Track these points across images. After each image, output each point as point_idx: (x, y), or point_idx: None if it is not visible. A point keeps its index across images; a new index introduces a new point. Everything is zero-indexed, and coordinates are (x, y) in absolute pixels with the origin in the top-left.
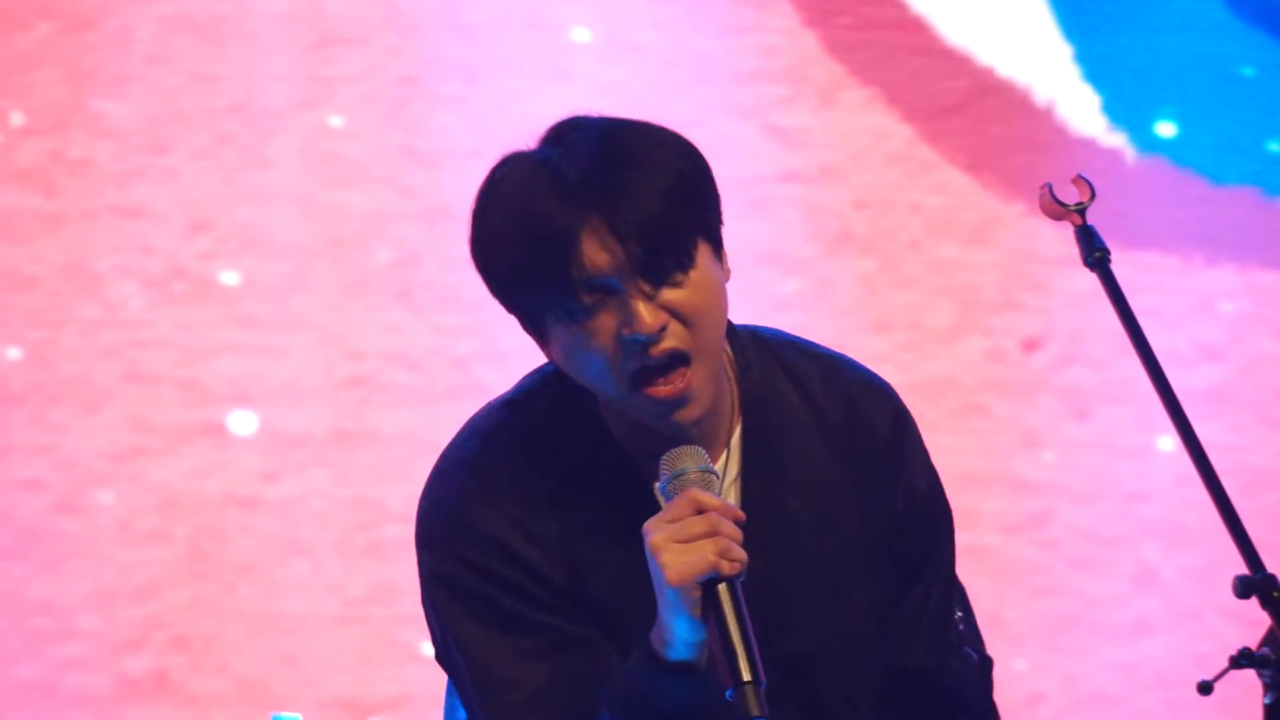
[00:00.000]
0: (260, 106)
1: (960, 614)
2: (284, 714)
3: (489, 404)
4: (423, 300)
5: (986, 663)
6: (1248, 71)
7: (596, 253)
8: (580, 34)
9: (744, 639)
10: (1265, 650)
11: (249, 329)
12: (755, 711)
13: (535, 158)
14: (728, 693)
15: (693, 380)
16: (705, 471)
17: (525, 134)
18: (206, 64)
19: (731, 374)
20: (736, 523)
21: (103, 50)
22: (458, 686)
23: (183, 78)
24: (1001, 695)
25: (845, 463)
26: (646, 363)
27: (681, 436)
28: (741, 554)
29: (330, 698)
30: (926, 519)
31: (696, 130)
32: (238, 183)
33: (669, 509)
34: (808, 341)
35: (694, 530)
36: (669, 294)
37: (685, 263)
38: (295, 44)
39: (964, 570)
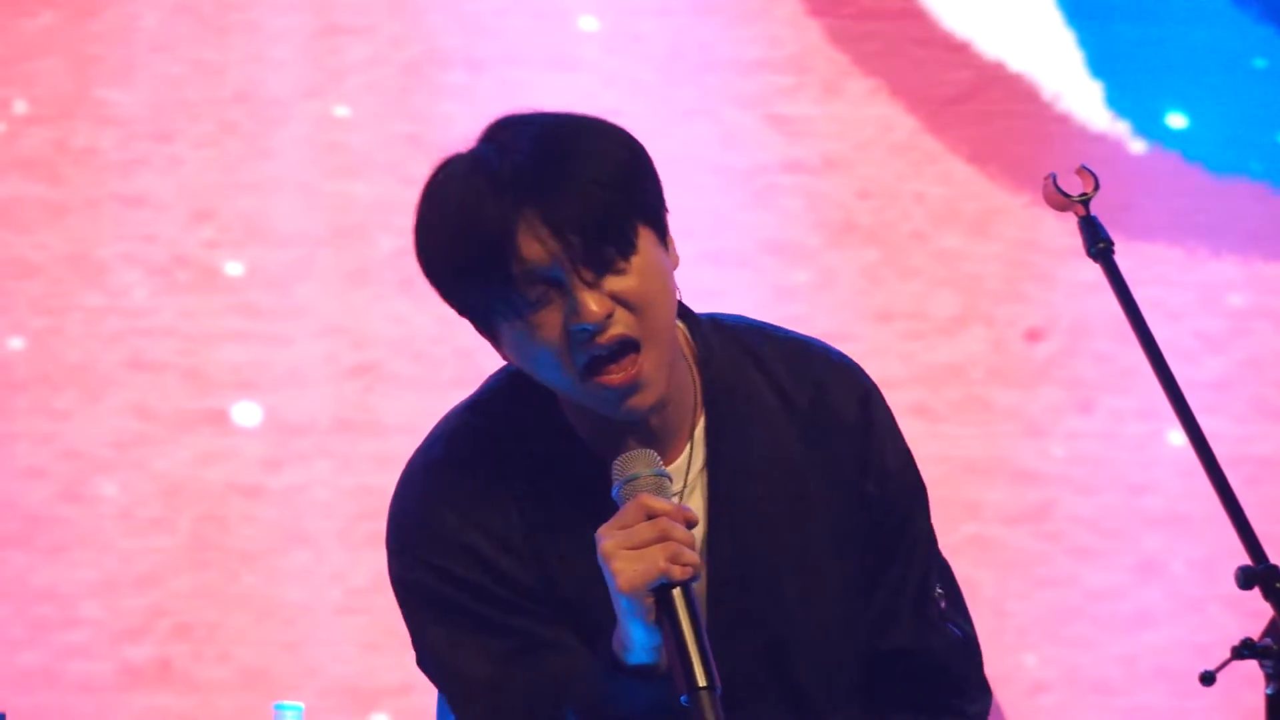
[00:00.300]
0: (264, 95)
1: (941, 591)
2: (286, 702)
3: (454, 407)
4: (426, 290)
5: (971, 638)
6: (1259, 63)
7: (533, 246)
8: (587, 23)
9: (698, 644)
10: (1267, 641)
11: (252, 318)
12: (709, 716)
13: (471, 156)
14: (682, 699)
15: (644, 366)
16: (658, 475)
17: None
18: (211, 52)
19: (692, 364)
20: (708, 519)
21: (107, 38)
22: (438, 689)
23: (187, 66)
24: (1003, 686)
25: (814, 447)
26: (595, 352)
27: (642, 427)
28: (693, 558)
29: (333, 686)
30: (899, 499)
31: (700, 120)
32: (242, 171)
33: (619, 515)
34: (772, 325)
35: (644, 537)
36: (613, 282)
37: (626, 250)
38: (300, 33)
39: (966, 561)
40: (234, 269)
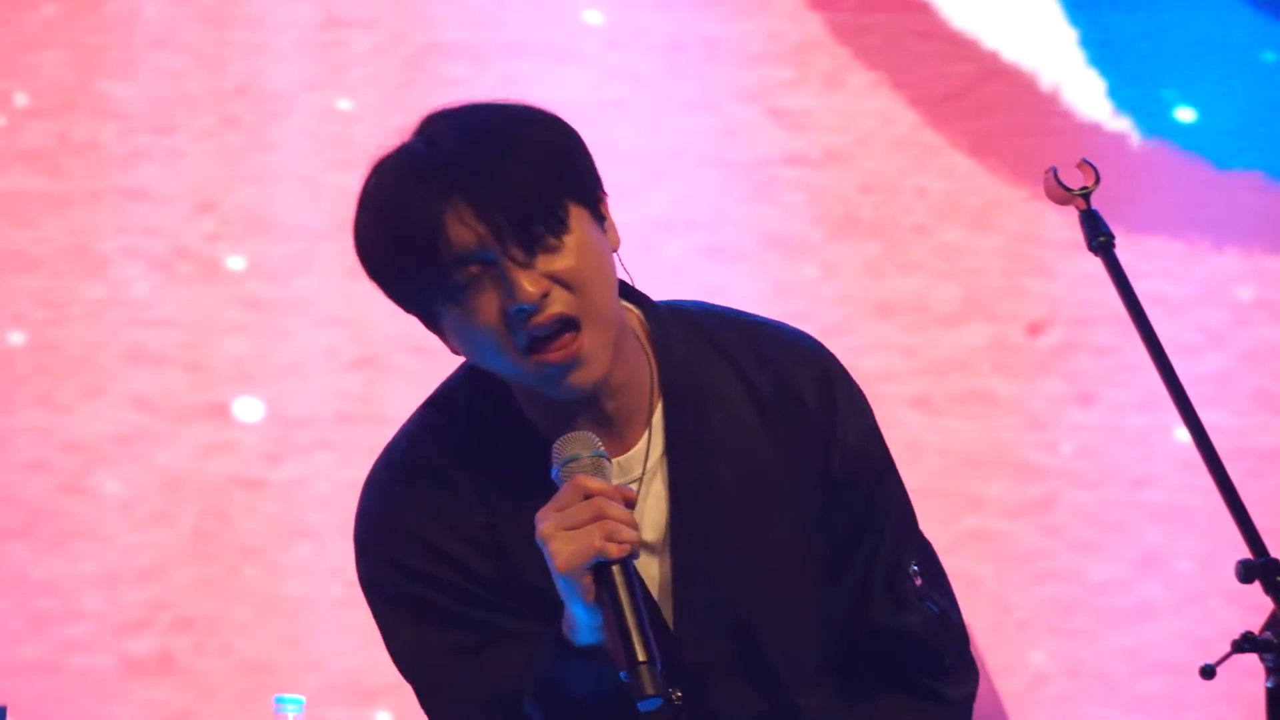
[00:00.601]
0: (266, 88)
1: (917, 568)
2: (287, 696)
3: (417, 407)
4: None
5: (950, 615)
6: (1268, 57)
7: (462, 231)
8: (591, 16)
9: (636, 620)
10: (1268, 635)
11: (254, 310)
12: (650, 691)
13: (399, 152)
14: (621, 674)
15: (584, 343)
16: (596, 456)
17: None
18: (212, 46)
19: (648, 349)
20: (671, 504)
21: (108, 31)
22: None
23: (188, 59)
24: (1005, 679)
25: (776, 429)
26: (535, 333)
27: (598, 413)
28: (631, 535)
29: (333, 680)
30: (864, 477)
31: (702, 113)
32: (243, 164)
33: (556, 497)
34: (730, 309)
35: (580, 517)
36: (547, 261)
37: (557, 229)
38: (301, 25)
39: (968, 554)
40: (235, 262)
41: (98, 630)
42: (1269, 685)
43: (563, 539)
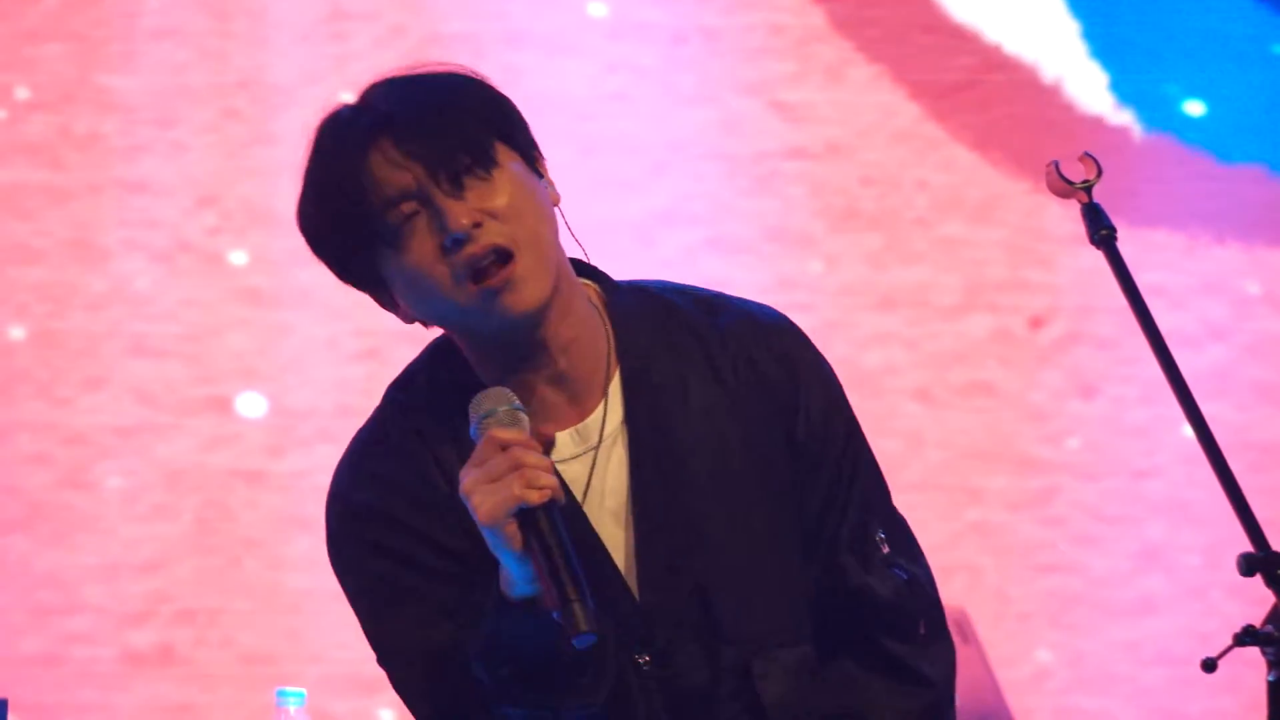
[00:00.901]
0: (267, 81)
1: (884, 534)
2: (289, 688)
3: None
4: None
5: (919, 580)
6: (1275, 49)
7: (389, 171)
8: (596, 9)
9: (565, 561)
10: (1269, 628)
11: (255, 304)
12: (582, 627)
13: (333, 117)
14: (554, 615)
15: (518, 267)
16: (513, 409)
17: (531, 110)
18: (214, 39)
19: (606, 321)
20: (631, 470)
21: (109, 24)
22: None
23: (190, 52)
24: (1007, 670)
25: (739, 399)
26: (472, 264)
27: (554, 376)
28: (549, 480)
29: (335, 672)
30: (829, 445)
31: (704, 106)
32: (245, 158)
33: (475, 453)
34: (693, 286)
35: (499, 468)
36: (478, 197)
37: (484, 162)
38: (303, 18)
39: (969, 547)
40: (237, 256)
41: (99, 623)
42: (1270, 679)
43: (483, 492)
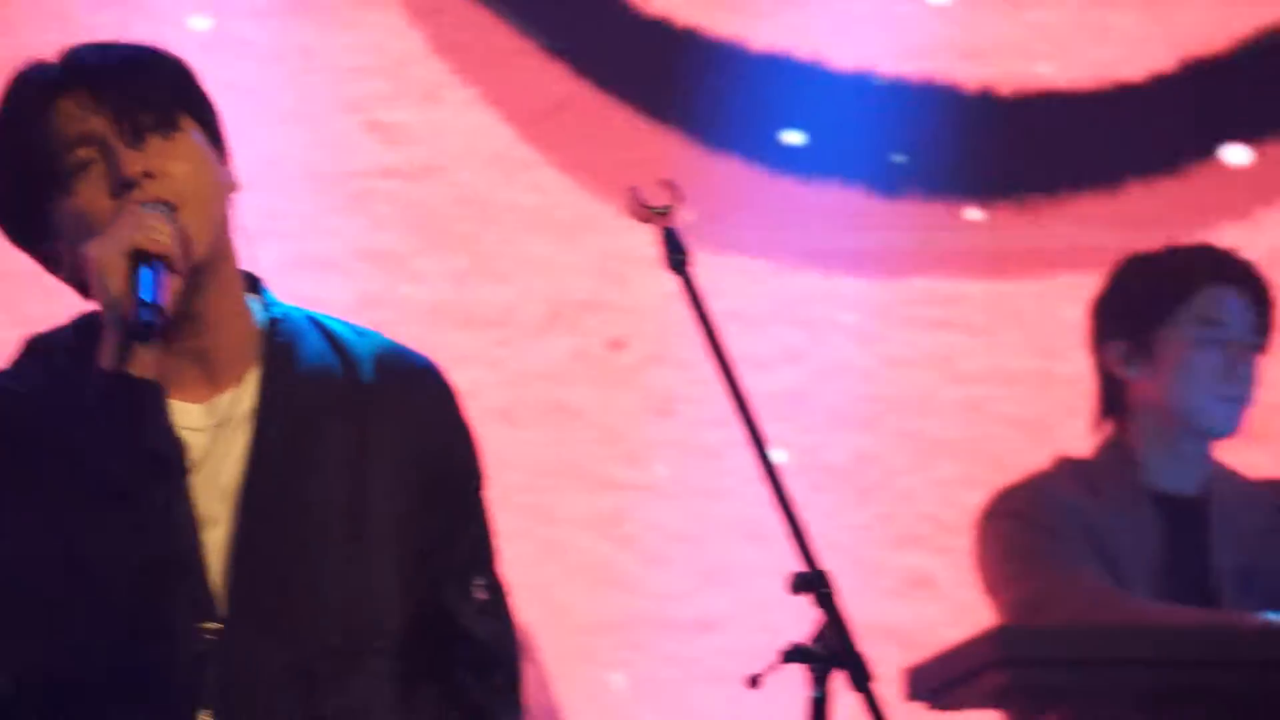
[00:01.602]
0: None
1: (484, 583)
2: None
3: None
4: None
5: (506, 636)
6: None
7: (76, 115)
8: (198, 22)
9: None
10: (815, 645)
11: None
12: (145, 317)
13: (34, 65)
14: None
15: (179, 223)
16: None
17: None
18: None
19: (258, 322)
20: (250, 459)
21: None
22: None
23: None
24: (569, 689)
25: (376, 425)
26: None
27: (193, 345)
28: (167, 239)
29: None
30: (456, 479)
31: (300, 123)
32: None
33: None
34: (352, 324)
35: (122, 223)
36: (157, 151)
37: (166, 125)
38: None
39: (538, 565)
40: None
41: None
42: (814, 695)
43: (100, 241)
